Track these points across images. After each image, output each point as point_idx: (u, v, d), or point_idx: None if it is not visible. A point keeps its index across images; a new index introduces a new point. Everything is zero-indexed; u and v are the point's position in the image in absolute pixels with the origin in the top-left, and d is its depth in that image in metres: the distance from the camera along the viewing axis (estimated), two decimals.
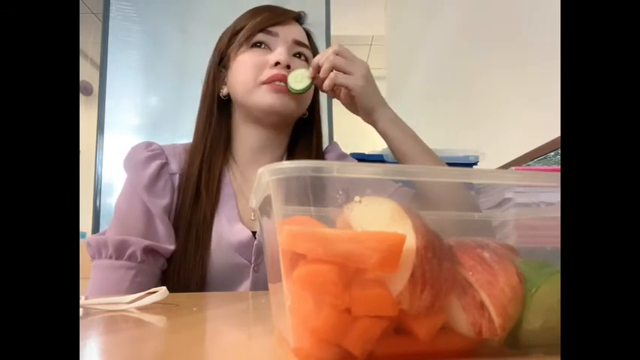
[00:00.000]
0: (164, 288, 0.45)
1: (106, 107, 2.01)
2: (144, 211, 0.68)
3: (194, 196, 0.71)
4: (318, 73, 0.70)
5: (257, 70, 0.72)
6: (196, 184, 0.71)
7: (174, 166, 0.73)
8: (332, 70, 0.69)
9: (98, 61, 2.17)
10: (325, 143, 0.86)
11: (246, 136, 0.77)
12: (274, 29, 0.74)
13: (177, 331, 0.35)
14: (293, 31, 0.76)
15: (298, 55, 0.76)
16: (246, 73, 0.72)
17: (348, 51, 0.70)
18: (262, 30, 0.74)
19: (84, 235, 3.16)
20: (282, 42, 0.74)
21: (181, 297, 0.56)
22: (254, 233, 0.71)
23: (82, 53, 4.24)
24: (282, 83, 0.70)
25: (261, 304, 0.50)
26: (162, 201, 0.70)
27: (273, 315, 0.34)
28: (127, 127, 2.07)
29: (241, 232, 0.70)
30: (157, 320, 0.40)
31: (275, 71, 0.71)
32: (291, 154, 0.80)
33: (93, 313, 0.43)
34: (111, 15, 2.08)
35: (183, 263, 0.68)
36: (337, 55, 0.68)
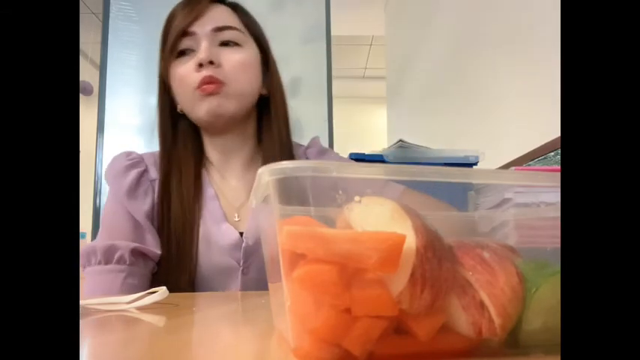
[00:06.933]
0: (164, 288, 0.45)
1: (106, 107, 2.01)
2: (128, 218, 0.69)
3: (168, 204, 0.71)
4: None
5: (187, 81, 0.70)
6: (169, 193, 0.71)
7: (154, 173, 0.74)
8: None
9: (98, 61, 2.17)
10: (325, 144, 0.85)
11: (212, 143, 0.77)
12: (191, 29, 0.71)
13: (176, 332, 0.35)
14: (211, 20, 0.72)
15: (225, 43, 0.72)
16: (180, 88, 0.71)
17: None
18: (180, 36, 0.71)
19: (84, 235, 3.16)
20: (202, 38, 0.70)
21: (181, 297, 0.56)
22: (241, 234, 0.70)
23: (82, 53, 4.24)
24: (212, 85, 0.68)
25: (261, 304, 0.50)
26: (143, 206, 0.70)
27: (273, 315, 0.34)
28: (127, 127, 2.06)
29: (229, 233, 0.69)
30: (156, 320, 0.40)
31: (203, 73, 0.68)
32: (260, 147, 0.79)
33: (92, 313, 0.43)
34: (111, 15, 2.07)
35: (169, 267, 0.68)
36: None
